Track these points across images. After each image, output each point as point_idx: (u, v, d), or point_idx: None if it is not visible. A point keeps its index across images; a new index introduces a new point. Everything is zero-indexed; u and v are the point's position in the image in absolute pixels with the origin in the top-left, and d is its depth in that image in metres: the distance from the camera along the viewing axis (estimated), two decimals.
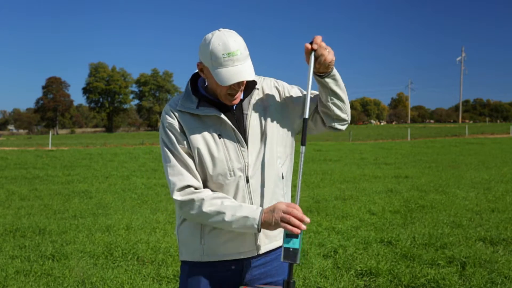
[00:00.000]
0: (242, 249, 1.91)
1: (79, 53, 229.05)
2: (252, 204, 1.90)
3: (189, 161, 1.87)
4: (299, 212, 1.75)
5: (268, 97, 2.00)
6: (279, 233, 1.98)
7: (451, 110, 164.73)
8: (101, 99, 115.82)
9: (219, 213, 1.80)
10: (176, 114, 1.89)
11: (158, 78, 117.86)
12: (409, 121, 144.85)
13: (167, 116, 1.90)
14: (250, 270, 1.95)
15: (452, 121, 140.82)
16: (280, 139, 1.99)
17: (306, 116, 1.87)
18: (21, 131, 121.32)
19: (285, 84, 2.07)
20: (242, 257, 1.92)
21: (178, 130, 1.88)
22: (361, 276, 4.55)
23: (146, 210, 8.11)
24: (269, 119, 1.97)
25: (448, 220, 6.84)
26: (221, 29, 1.82)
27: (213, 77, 1.80)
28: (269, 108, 1.98)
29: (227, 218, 1.79)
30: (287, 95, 2.02)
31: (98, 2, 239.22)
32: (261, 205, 1.91)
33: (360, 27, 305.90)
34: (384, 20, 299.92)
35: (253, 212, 1.80)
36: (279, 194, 1.98)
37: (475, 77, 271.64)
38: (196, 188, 1.86)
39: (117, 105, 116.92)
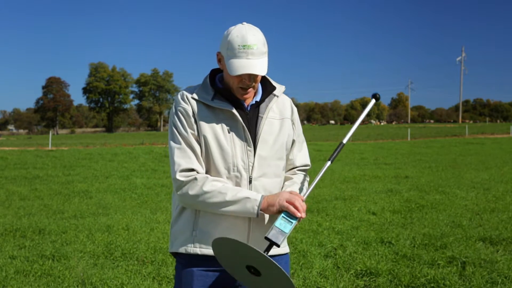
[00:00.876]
0: None
1: (79, 53, 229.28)
2: None
3: (197, 147, 1.89)
4: (302, 201, 1.83)
5: (285, 110, 2.05)
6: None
7: (451, 110, 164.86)
8: (101, 99, 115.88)
9: (220, 192, 1.82)
10: (191, 101, 1.92)
11: (158, 78, 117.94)
12: (409, 121, 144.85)
13: (182, 101, 1.93)
14: None
15: (452, 121, 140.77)
16: (286, 153, 2.03)
17: (344, 141, 2.02)
18: (21, 131, 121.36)
19: (297, 114, 2.13)
20: None
21: (191, 116, 1.90)
22: (361, 276, 4.55)
23: (146, 210, 8.11)
24: (283, 130, 2.01)
25: (448, 220, 6.84)
26: (244, 23, 1.87)
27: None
28: (286, 120, 2.03)
29: (228, 197, 1.81)
30: (296, 124, 2.10)
31: (98, 2, 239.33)
32: None
33: (360, 27, 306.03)
34: (384, 20, 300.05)
35: (255, 195, 1.83)
36: None
37: (475, 77, 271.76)
38: (199, 173, 1.89)
39: (117, 105, 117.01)
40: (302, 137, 2.14)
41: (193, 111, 1.90)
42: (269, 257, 1.64)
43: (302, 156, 2.13)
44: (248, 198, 1.82)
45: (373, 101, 2.10)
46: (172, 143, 1.91)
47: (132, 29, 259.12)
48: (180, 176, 1.85)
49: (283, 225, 1.78)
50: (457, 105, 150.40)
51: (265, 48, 1.85)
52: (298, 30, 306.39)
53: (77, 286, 4.39)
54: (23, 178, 12.99)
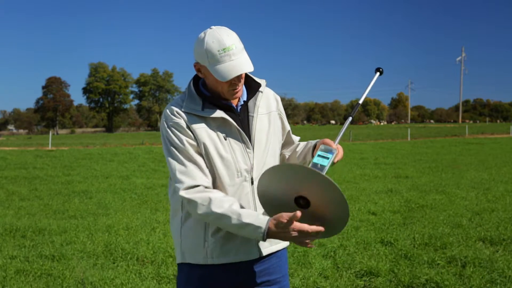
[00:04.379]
0: (245, 252, 1.90)
1: (79, 53, 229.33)
2: (256, 207, 1.90)
3: (199, 159, 1.83)
4: (308, 227, 1.68)
5: (270, 103, 2.05)
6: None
7: (451, 110, 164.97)
8: (101, 99, 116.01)
9: (225, 216, 1.74)
10: (182, 114, 1.86)
11: (158, 78, 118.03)
12: (409, 121, 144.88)
13: (173, 116, 1.86)
14: (249, 269, 1.95)
15: (452, 121, 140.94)
16: (278, 145, 2.05)
17: (360, 102, 2.04)
18: (21, 131, 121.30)
19: (281, 103, 2.14)
20: (244, 259, 1.91)
21: (186, 129, 1.84)
22: (361, 276, 4.54)
23: (146, 210, 8.11)
24: (272, 124, 2.01)
25: (448, 220, 6.84)
26: (212, 26, 1.83)
27: (212, 75, 1.81)
28: (272, 114, 2.03)
29: (234, 222, 1.73)
30: (282, 113, 2.11)
31: (98, 2, 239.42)
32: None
33: (360, 27, 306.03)
34: (384, 20, 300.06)
35: (260, 221, 1.71)
36: None
37: (475, 77, 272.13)
38: (205, 187, 1.82)
39: (117, 105, 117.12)
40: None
41: (186, 124, 1.85)
42: (328, 177, 1.62)
43: (295, 136, 2.21)
44: (251, 225, 1.72)
45: (377, 74, 2.11)
46: (171, 160, 1.84)
47: (132, 29, 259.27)
48: (184, 193, 1.79)
49: (321, 160, 1.79)
50: (457, 105, 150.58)
51: (241, 44, 1.82)
52: (298, 30, 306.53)
53: (77, 286, 4.39)
54: (23, 178, 12.99)
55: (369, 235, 5.94)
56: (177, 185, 1.81)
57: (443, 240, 5.59)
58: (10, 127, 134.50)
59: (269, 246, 1.96)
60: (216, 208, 1.75)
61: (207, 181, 1.83)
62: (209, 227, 1.88)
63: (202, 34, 1.81)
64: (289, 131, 2.15)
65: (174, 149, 1.84)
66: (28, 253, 5.37)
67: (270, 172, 1.72)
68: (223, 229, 1.84)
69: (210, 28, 1.81)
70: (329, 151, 1.82)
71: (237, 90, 1.87)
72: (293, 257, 5.04)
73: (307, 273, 4.55)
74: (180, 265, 1.99)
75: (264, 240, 1.71)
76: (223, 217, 1.75)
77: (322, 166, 1.76)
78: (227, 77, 1.77)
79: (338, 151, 1.87)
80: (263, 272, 1.98)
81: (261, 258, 1.97)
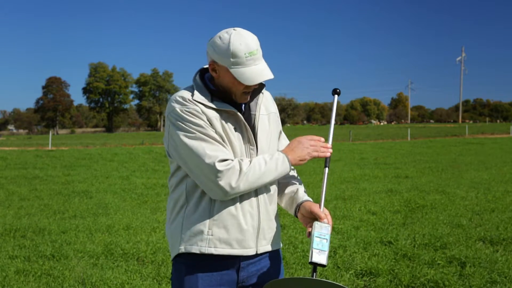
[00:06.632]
0: (245, 245, 1.90)
1: (79, 53, 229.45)
2: (259, 206, 1.92)
3: (219, 138, 1.83)
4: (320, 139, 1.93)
5: (269, 105, 2.07)
6: (274, 237, 2.01)
7: (451, 110, 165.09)
8: (101, 99, 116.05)
9: (260, 162, 1.83)
10: (195, 102, 1.84)
11: (158, 78, 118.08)
12: (409, 121, 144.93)
13: (186, 102, 1.83)
14: (247, 268, 1.96)
15: (452, 121, 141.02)
16: (277, 147, 2.06)
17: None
18: (21, 131, 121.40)
19: (275, 104, 2.15)
20: (242, 254, 1.92)
21: (202, 114, 1.83)
22: (361, 276, 4.55)
23: (146, 210, 8.11)
24: (272, 125, 2.03)
25: (448, 220, 6.84)
26: (235, 28, 1.82)
27: (229, 76, 1.81)
28: (271, 115, 2.05)
29: (263, 168, 1.83)
30: (278, 115, 2.11)
31: (97, 2, 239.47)
32: (263, 209, 1.94)
33: (360, 27, 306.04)
34: (384, 20, 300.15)
35: (278, 154, 1.89)
36: (276, 199, 2.04)
37: (475, 77, 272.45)
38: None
39: (117, 105, 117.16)
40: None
41: (202, 111, 1.83)
42: (323, 279, 1.70)
43: (286, 144, 2.15)
44: (278, 159, 1.86)
45: (336, 97, 2.06)
46: (193, 141, 1.79)
47: (132, 29, 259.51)
48: (220, 166, 1.76)
49: (320, 244, 1.81)
50: (457, 105, 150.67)
51: (261, 49, 1.84)
52: (298, 30, 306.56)
53: (77, 286, 4.39)
54: (23, 178, 12.99)
55: (369, 235, 5.94)
56: (209, 160, 1.77)
57: (443, 240, 5.59)
58: (10, 127, 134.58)
59: (266, 245, 1.98)
60: (246, 166, 1.81)
61: (233, 157, 1.86)
62: (213, 216, 1.88)
63: (225, 35, 1.79)
64: (280, 130, 2.14)
65: (196, 131, 1.80)
66: (28, 253, 5.37)
67: (282, 283, 1.78)
68: (261, 180, 1.85)
69: (234, 30, 1.80)
70: (324, 228, 1.85)
71: (249, 94, 1.89)
72: (293, 257, 5.04)
73: (307, 273, 4.55)
74: (176, 258, 1.96)
75: (290, 161, 1.88)
76: (259, 163, 1.84)
77: (323, 252, 1.81)
78: (253, 82, 1.79)
79: (329, 221, 1.90)
80: (261, 270, 1.99)
81: (259, 255, 1.98)
